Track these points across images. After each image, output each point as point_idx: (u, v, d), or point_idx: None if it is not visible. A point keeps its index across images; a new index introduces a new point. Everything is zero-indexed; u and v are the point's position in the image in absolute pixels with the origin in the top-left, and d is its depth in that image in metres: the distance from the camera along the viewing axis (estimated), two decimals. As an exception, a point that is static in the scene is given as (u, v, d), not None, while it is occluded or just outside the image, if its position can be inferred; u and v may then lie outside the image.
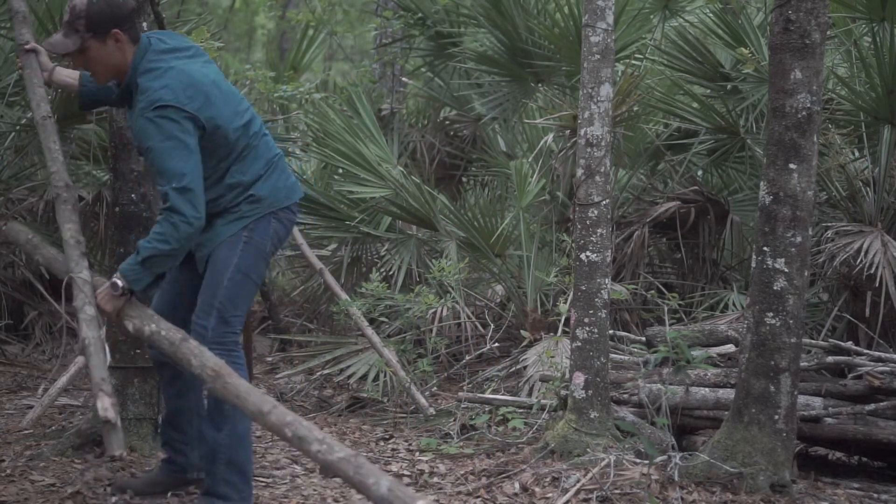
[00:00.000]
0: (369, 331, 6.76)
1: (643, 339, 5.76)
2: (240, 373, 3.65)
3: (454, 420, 5.89)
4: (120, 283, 3.90)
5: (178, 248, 3.89)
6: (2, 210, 7.71)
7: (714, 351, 5.36)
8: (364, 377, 6.90)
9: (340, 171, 8.46)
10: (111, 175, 5.30)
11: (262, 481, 4.86)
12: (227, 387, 3.45)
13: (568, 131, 7.59)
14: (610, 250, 5.30)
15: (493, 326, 7.24)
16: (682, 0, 8.52)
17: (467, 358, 7.09)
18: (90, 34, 3.91)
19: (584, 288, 5.23)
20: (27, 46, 4.25)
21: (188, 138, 3.85)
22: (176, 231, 3.85)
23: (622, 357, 5.68)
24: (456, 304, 6.85)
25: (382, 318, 7.18)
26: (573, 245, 5.39)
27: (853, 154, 6.60)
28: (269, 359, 8.31)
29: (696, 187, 7.92)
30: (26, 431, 5.61)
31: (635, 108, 7.91)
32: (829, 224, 6.20)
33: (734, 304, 7.22)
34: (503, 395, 6.14)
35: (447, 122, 9.59)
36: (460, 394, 6.07)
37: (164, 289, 4.28)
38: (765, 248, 4.47)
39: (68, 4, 3.92)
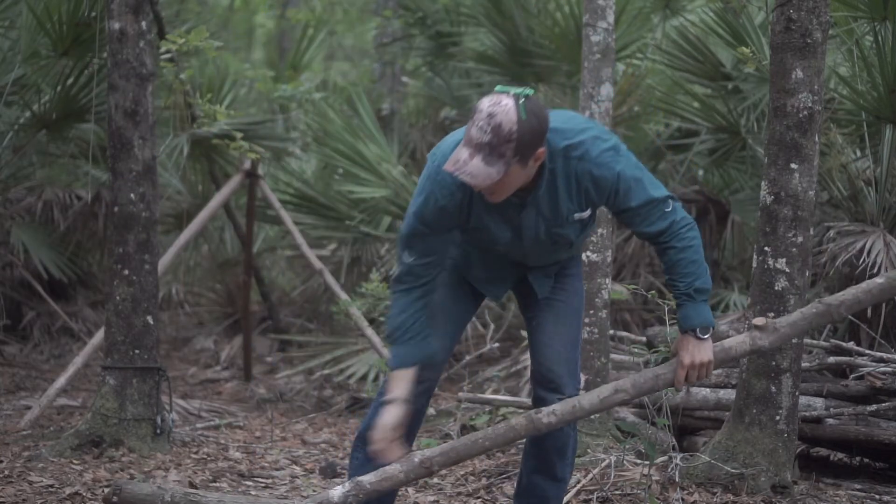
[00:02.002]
0: (369, 331, 6.75)
1: (644, 339, 5.74)
2: None
3: (454, 420, 5.88)
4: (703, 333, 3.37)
5: None
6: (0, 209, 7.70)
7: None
8: (364, 377, 6.89)
9: (340, 171, 8.45)
10: (110, 175, 5.29)
11: (261, 482, 4.85)
12: None
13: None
14: (610, 250, 5.28)
15: (493, 326, 7.23)
16: (682, -1, 8.52)
17: (467, 358, 7.08)
18: (517, 158, 3.13)
19: (584, 288, 5.21)
20: None
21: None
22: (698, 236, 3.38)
23: (623, 357, 5.67)
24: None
25: (382, 318, 7.16)
26: (573, 245, 5.36)
27: (855, 154, 6.58)
28: (269, 359, 8.30)
29: (696, 187, 7.90)
30: (24, 432, 5.59)
31: (636, 108, 7.90)
32: (831, 224, 6.18)
33: (735, 304, 7.21)
34: (503, 395, 6.13)
35: (447, 122, 9.57)
36: (460, 394, 6.05)
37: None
38: (766, 248, 4.45)
39: (487, 121, 3.08)
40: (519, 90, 3.15)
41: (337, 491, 3.22)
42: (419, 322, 3.38)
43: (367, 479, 3.25)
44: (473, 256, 3.56)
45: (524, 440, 3.65)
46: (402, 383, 3.38)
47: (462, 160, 3.11)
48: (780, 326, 3.45)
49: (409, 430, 3.50)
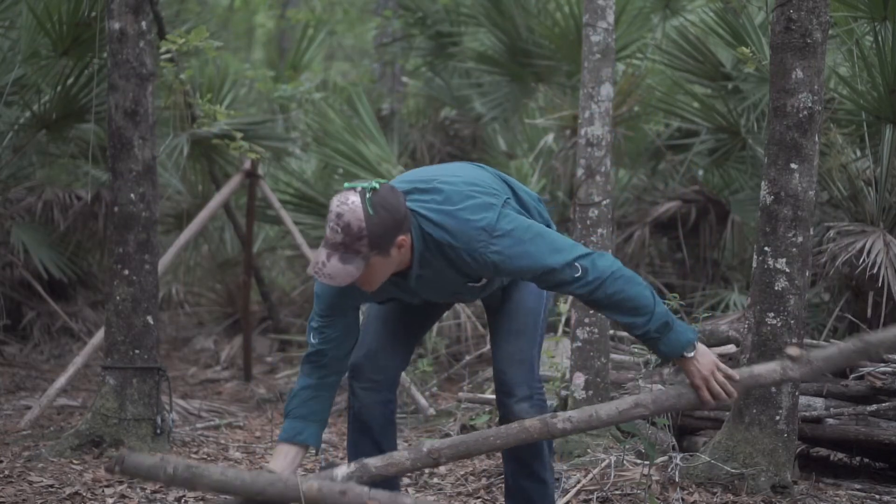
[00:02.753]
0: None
1: (644, 339, 5.73)
2: None
3: (454, 420, 5.88)
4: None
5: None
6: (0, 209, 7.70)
7: (715, 351, 5.32)
8: (364, 377, 6.87)
9: (340, 171, 8.45)
10: (110, 175, 5.29)
11: (261, 482, 4.84)
12: None
13: (568, 131, 7.58)
14: (610, 250, 5.28)
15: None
16: (682, -1, 8.52)
17: (467, 358, 7.07)
18: (374, 252, 3.15)
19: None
20: None
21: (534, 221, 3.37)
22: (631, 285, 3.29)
23: (622, 357, 5.67)
24: (456, 305, 6.82)
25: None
26: (573, 245, 5.36)
27: (855, 154, 6.58)
28: (269, 359, 8.30)
29: (696, 187, 7.90)
30: (24, 432, 5.59)
31: (636, 108, 7.90)
32: (831, 224, 6.18)
33: (735, 305, 7.21)
34: (503, 395, 6.12)
35: (447, 122, 9.58)
36: (460, 394, 6.05)
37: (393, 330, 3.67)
38: (766, 248, 4.45)
39: (337, 222, 3.11)
40: (366, 184, 3.17)
41: (342, 469, 3.23)
42: (308, 404, 3.48)
43: (373, 462, 3.26)
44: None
45: None
46: (280, 457, 3.51)
47: (321, 262, 3.13)
48: (815, 360, 3.36)
49: (383, 437, 3.60)
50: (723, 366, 3.32)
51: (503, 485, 3.80)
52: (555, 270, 3.21)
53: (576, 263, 3.22)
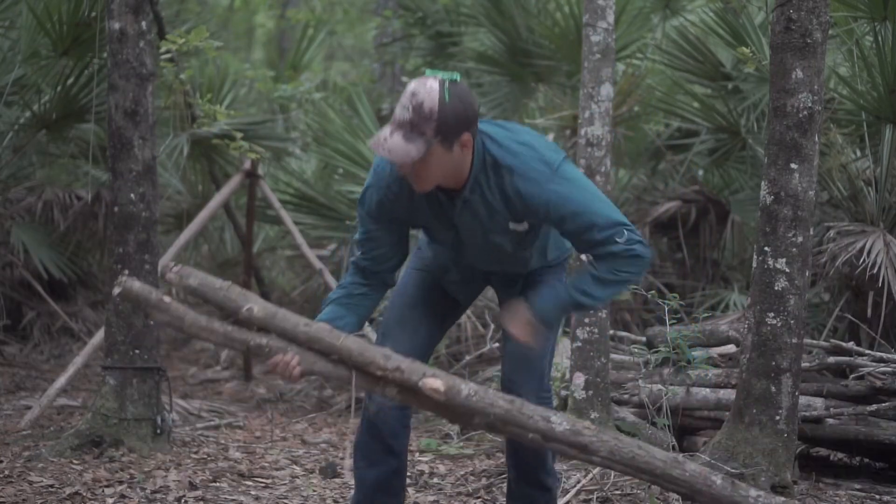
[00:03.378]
0: (369, 330, 6.75)
1: (644, 339, 5.74)
2: None
3: (454, 420, 5.87)
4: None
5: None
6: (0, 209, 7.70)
7: (715, 351, 5.34)
8: (364, 377, 6.87)
9: (340, 171, 8.45)
10: (110, 175, 5.29)
11: (261, 482, 4.85)
12: None
13: (568, 131, 7.58)
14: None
15: (493, 326, 7.22)
16: (682, -1, 8.52)
17: (467, 358, 7.07)
18: (438, 138, 3.10)
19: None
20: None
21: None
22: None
23: (623, 357, 5.67)
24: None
25: (382, 318, 7.15)
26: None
27: (855, 154, 6.58)
28: (269, 359, 8.29)
29: (696, 187, 7.90)
30: (24, 432, 5.59)
31: (636, 108, 7.89)
32: (831, 224, 6.18)
33: (735, 305, 7.20)
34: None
35: (447, 122, 9.56)
36: (460, 394, 6.05)
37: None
38: (766, 248, 4.45)
39: (410, 100, 3.09)
40: (447, 74, 3.16)
41: (468, 387, 3.17)
42: (354, 297, 3.42)
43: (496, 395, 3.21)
44: (443, 258, 3.56)
45: (506, 449, 3.69)
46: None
47: (383, 137, 3.11)
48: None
49: (395, 440, 3.55)
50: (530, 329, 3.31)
51: (505, 486, 3.79)
52: (599, 226, 3.20)
53: (622, 228, 3.22)
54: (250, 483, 4.82)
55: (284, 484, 4.83)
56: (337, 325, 3.28)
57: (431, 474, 4.96)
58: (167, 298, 3.19)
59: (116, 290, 3.17)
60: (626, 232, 3.21)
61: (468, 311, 7.35)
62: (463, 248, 3.43)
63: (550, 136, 7.88)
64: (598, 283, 3.26)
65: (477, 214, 3.30)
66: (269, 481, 4.87)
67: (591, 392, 5.17)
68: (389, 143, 3.09)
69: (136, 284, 3.18)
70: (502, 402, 3.14)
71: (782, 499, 3.22)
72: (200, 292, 3.19)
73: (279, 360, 3.14)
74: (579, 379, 5.18)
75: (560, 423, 3.15)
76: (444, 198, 3.30)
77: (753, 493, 3.18)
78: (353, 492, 3.66)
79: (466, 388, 3.13)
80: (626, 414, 5.34)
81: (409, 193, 3.31)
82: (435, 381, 3.12)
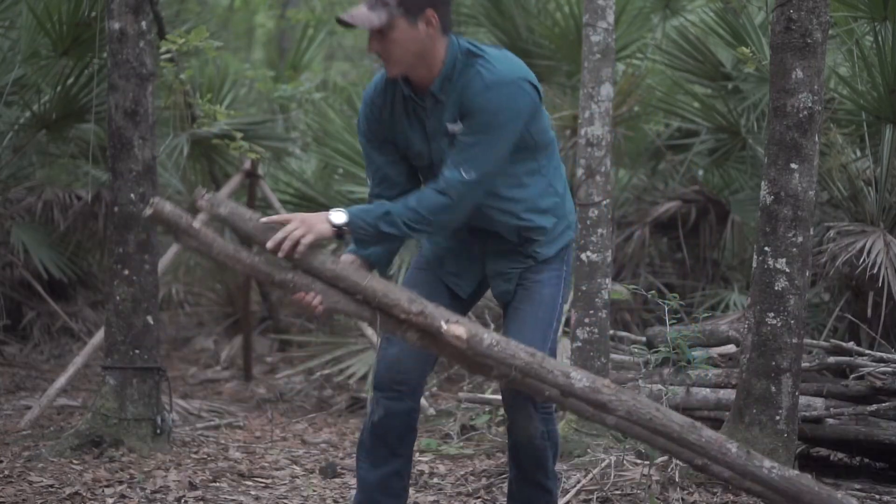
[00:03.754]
0: (369, 331, 6.75)
1: (644, 339, 5.74)
2: None
3: (454, 420, 5.88)
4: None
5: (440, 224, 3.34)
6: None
7: (715, 351, 5.34)
8: (364, 377, 6.88)
9: (340, 171, 8.44)
10: (110, 175, 5.29)
11: (261, 482, 4.85)
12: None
13: (568, 131, 7.57)
14: (610, 250, 5.29)
15: (493, 326, 7.22)
16: (682, -1, 8.52)
17: (467, 358, 7.06)
18: (401, 10, 3.23)
19: (584, 288, 5.22)
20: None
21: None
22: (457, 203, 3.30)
23: (623, 357, 5.66)
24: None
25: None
26: (574, 245, 5.36)
27: (855, 154, 6.58)
28: (269, 359, 8.30)
29: (696, 187, 7.90)
30: (24, 432, 5.59)
31: (636, 108, 7.89)
32: (831, 224, 6.18)
33: (735, 305, 7.20)
34: (503, 395, 6.12)
35: (447, 122, 9.56)
36: (460, 394, 6.05)
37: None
38: (766, 249, 4.45)
39: None
40: None
41: (490, 337, 3.15)
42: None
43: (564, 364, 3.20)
44: (441, 247, 3.56)
45: (507, 449, 3.66)
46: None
47: (351, 10, 3.28)
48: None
49: (400, 444, 3.53)
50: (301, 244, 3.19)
51: (505, 486, 3.78)
52: (473, 153, 3.25)
53: (480, 180, 3.27)
54: (250, 483, 4.82)
55: (284, 484, 4.83)
56: (366, 249, 3.37)
57: (431, 474, 4.96)
58: (197, 224, 3.20)
59: (147, 212, 3.17)
60: (474, 184, 3.25)
61: (469, 313, 7.34)
62: (430, 162, 3.43)
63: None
64: (395, 217, 3.27)
65: (441, 118, 3.34)
66: (269, 481, 4.86)
67: (591, 392, 5.16)
68: (354, 11, 3.26)
69: (168, 207, 3.19)
70: (523, 355, 3.12)
71: (796, 472, 3.20)
72: (230, 221, 3.21)
73: (302, 298, 3.20)
74: (579, 379, 5.18)
75: (580, 379, 3.13)
76: (417, 100, 3.36)
77: (767, 463, 3.17)
78: (354, 492, 3.66)
79: (489, 337, 3.12)
80: (626, 414, 5.33)
81: (391, 102, 3.39)
82: (458, 328, 3.11)
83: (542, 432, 3.50)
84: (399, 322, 3.18)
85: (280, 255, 3.18)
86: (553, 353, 3.53)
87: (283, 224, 3.20)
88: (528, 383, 3.17)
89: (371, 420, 3.52)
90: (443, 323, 3.12)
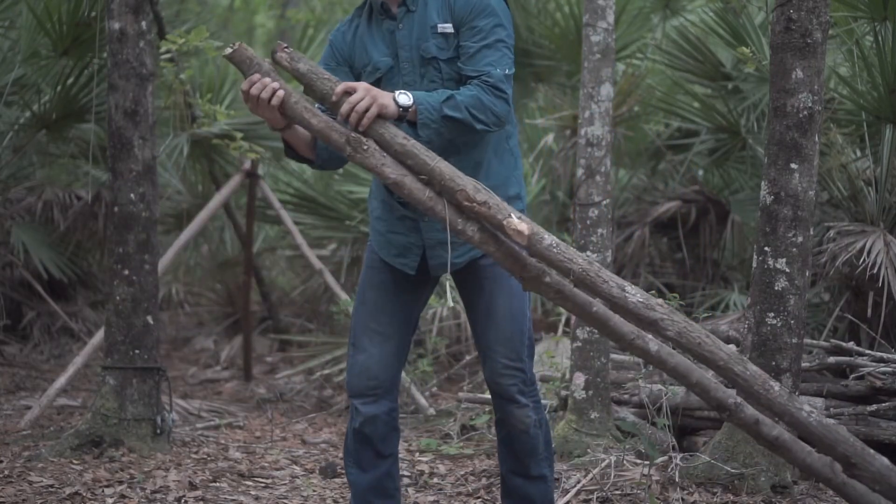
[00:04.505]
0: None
1: (644, 339, 5.73)
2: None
3: (454, 420, 5.88)
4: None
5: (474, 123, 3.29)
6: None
7: (715, 351, 5.33)
8: (364, 377, 6.87)
9: (340, 170, 8.44)
10: (110, 175, 5.29)
11: (261, 482, 4.85)
12: None
13: (568, 131, 7.58)
14: (610, 250, 5.28)
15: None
16: (682, -1, 8.52)
17: (467, 358, 7.07)
18: None
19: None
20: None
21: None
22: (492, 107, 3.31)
23: (623, 357, 5.66)
24: (456, 304, 6.83)
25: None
26: (574, 245, 5.37)
27: (855, 153, 6.58)
28: (269, 359, 8.30)
29: (696, 187, 7.90)
30: (24, 432, 5.59)
31: (636, 108, 7.89)
32: (831, 224, 6.17)
33: (735, 305, 7.20)
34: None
35: (447, 122, 9.55)
36: (460, 394, 6.05)
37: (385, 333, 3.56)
38: (766, 249, 4.45)
39: None
40: None
41: (550, 238, 3.12)
42: None
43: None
44: (381, 225, 3.53)
45: (497, 445, 3.68)
46: None
47: None
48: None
49: (384, 445, 3.54)
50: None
51: (500, 483, 3.78)
52: (498, 48, 3.35)
53: (510, 70, 3.37)
54: (250, 483, 4.82)
55: (284, 484, 4.83)
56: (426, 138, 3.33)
57: (431, 474, 4.96)
58: (275, 74, 3.19)
59: (228, 51, 3.15)
60: (505, 77, 3.33)
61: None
62: (397, 73, 3.42)
63: (550, 137, 7.88)
64: (459, 101, 3.27)
65: (414, 27, 3.38)
66: (269, 481, 4.87)
67: (591, 392, 5.17)
68: None
69: (251, 51, 3.17)
70: (581, 261, 3.09)
71: (833, 421, 3.18)
72: (307, 79, 3.20)
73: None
74: (579, 379, 5.18)
75: (634, 294, 3.10)
76: (388, 20, 3.42)
77: (807, 408, 3.16)
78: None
79: (549, 238, 3.09)
80: (627, 414, 5.34)
81: (355, 28, 3.47)
82: (520, 224, 3.06)
83: (535, 420, 3.52)
84: (461, 209, 3.10)
85: (349, 120, 3.16)
86: (531, 343, 3.56)
87: (355, 91, 3.18)
88: (575, 301, 3.11)
89: (353, 427, 3.54)
90: (505, 217, 3.06)
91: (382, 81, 3.40)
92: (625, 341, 3.20)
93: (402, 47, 3.40)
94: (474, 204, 3.07)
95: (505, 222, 3.05)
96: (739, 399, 3.21)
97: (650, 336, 3.18)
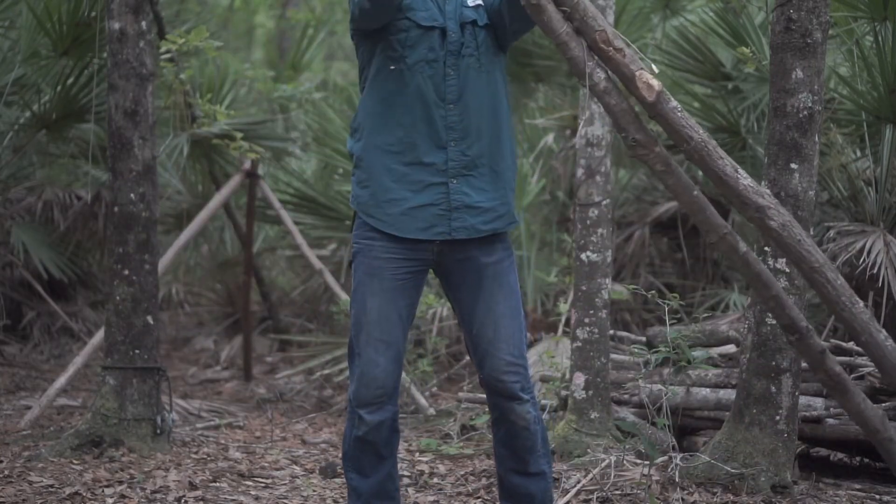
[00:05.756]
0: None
1: (644, 339, 5.74)
2: None
3: (454, 420, 5.88)
4: None
5: None
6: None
7: (715, 351, 5.34)
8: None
9: (340, 171, 8.44)
10: (110, 175, 5.29)
11: (261, 482, 4.85)
12: None
13: (568, 131, 7.58)
14: (610, 250, 5.28)
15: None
16: (682, -1, 8.52)
17: (467, 358, 7.07)
18: None
19: (584, 288, 5.21)
20: None
21: None
22: None
23: (623, 357, 5.66)
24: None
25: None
26: (573, 245, 5.37)
27: (855, 154, 6.58)
28: (269, 359, 8.30)
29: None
30: (24, 432, 5.59)
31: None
32: (831, 224, 6.17)
33: (735, 305, 7.21)
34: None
35: (447, 122, 9.55)
36: (460, 394, 6.05)
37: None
38: (766, 249, 4.45)
39: None
40: None
41: (675, 101, 3.09)
42: None
43: None
44: (395, 207, 3.46)
45: (494, 445, 3.66)
46: None
47: None
48: None
49: (387, 448, 3.53)
50: None
51: (497, 486, 3.76)
52: None
53: None
54: (250, 483, 4.82)
55: (284, 484, 4.83)
56: None
57: (431, 474, 4.96)
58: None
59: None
60: None
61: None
62: (441, 34, 3.41)
63: (550, 137, 7.88)
64: None
65: None
66: (269, 481, 4.86)
67: (591, 392, 5.17)
68: None
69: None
70: (701, 132, 3.06)
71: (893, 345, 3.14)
72: None
73: None
74: (579, 379, 5.18)
75: (745, 177, 3.07)
76: None
77: (884, 333, 3.13)
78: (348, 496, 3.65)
79: (675, 102, 3.06)
80: (626, 414, 5.34)
81: None
82: (652, 79, 3.02)
83: (535, 416, 3.54)
84: (599, 50, 3.03)
85: None
86: (525, 337, 3.59)
87: None
88: (679, 178, 3.08)
89: (355, 435, 3.51)
90: (639, 68, 3.01)
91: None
92: (716, 234, 3.12)
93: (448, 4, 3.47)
94: (611, 49, 3.00)
95: (637, 73, 3.00)
96: (811, 326, 3.16)
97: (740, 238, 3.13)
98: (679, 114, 3.02)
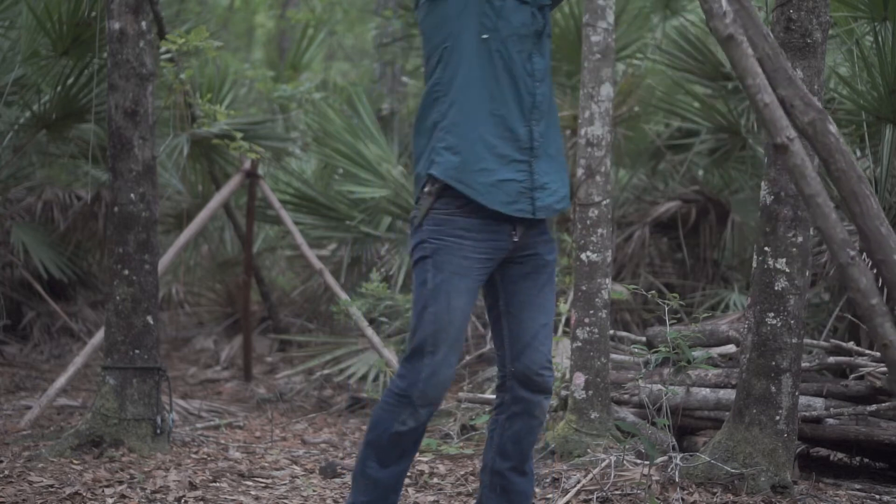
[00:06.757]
0: (369, 331, 6.75)
1: (644, 339, 5.74)
2: None
3: (454, 420, 5.88)
4: None
5: None
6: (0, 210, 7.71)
7: (715, 351, 5.34)
8: (364, 377, 6.89)
9: (340, 171, 8.45)
10: (110, 175, 5.29)
11: (261, 482, 4.85)
12: None
13: (568, 131, 7.58)
14: (610, 250, 5.28)
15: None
16: (682, -1, 8.52)
17: (467, 358, 7.07)
18: None
19: (584, 288, 5.21)
20: None
21: None
22: None
23: (623, 357, 5.67)
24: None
25: (382, 319, 7.16)
26: (573, 245, 5.37)
27: (855, 154, 6.59)
28: (269, 359, 8.30)
29: (696, 187, 7.90)
30: (24, 432, 5.59)
31: (636, 108, 7.90)
32: (831, 224, 6.17)
33: (735, 304, 7.21)
34: (503, 395, 6.12)
35: (447, 122, 9.55)
36: (460, 394, 6.05)
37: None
38: (766, 248, 4.45)
39: None
40: None
41: None
42: None
43: None
44: (487, 176, 3.40)
45: (496, 444, 3.63)
46: None
47: None
48: None
49: (418, 442, 3.52)
50: None
51: (485, 488, 3.71)
52: None
53: None
54: (250, 483, 4.82)
55: (284, 484, 4.83)
56: None
57: (431, 474, 4.96)
58: None
59: None
60: None
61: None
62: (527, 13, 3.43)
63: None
64: None
65: None
66: (269, 481, 4.86)
67: (591, 392, 5.17)
68: None
69: None
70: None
71: None
72: None
73: None
74: (579, 379, 5.18)
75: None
76: None
77: None
78: (351, 490, 3.63)
79: None
80: (626, 414, 5.34)
81: None
82: None
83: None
84: None
85: None
86: None
87: None
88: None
89: (397, 430, 3.45)
90: None
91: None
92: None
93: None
94: None
95: None
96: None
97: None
98: None
